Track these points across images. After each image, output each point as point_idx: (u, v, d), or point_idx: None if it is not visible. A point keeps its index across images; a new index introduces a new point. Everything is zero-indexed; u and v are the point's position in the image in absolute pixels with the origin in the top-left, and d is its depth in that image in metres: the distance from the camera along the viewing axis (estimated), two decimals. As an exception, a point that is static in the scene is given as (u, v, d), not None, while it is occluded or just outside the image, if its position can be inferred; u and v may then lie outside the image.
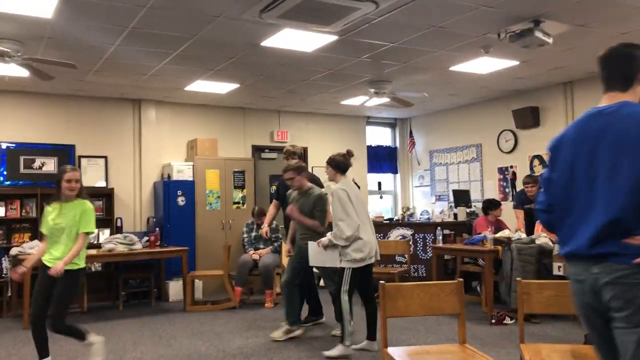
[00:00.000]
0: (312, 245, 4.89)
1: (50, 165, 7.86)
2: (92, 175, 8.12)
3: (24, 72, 6.07)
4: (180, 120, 8.81)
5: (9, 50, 5.23)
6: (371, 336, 4.80)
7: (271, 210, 6.51)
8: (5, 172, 7.61)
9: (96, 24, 5.09)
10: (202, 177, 8.36)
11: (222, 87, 7.73)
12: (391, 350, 3.23)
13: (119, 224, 8.00)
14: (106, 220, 8.00)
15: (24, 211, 7.59)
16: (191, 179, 8.26)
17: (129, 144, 8.45)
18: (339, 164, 4.83)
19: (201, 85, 7.56)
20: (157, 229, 7.60)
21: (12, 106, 7.74)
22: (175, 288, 7.66)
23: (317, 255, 4.85)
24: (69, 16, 4.88)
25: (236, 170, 8.66)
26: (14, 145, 7.69)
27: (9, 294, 6.98)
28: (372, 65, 6.71)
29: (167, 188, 8.12)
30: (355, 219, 4.56)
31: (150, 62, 6.39)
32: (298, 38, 5.63)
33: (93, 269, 7.75)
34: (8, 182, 7.62)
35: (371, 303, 4.81)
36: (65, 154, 7.98)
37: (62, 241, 4.18)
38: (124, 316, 6.67)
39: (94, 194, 8.02)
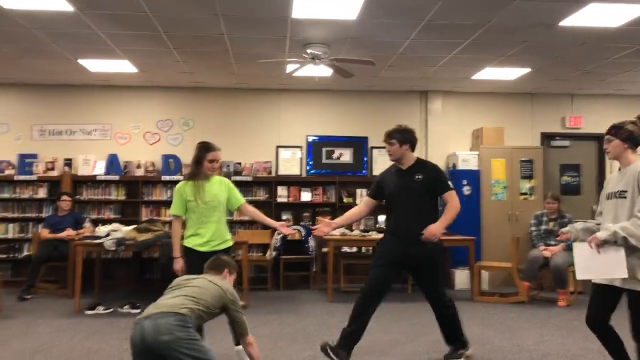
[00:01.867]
0: (579, 249, 3.28)
1: (346, 155, 8.63)
2: (382, 166, 8.57)
3: (328, 72, 6.77)
4: (465, 110, 8.79)
5: (320, 53, 5.87)
6: None
7: None
8: (311, 162, 8.61)
9: (395, 20, 5.38)
10: (488, 166, 8.21)
11: (512, 73, 7.46)
12: None
13: (407, 211, 8.36)
14: (395, 207, 8.44)
15: (325, 196, 8.49)
16: (476, 168, 8.18)
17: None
18: (634, 136, 3.28)
19: (490, 73, 7.41)
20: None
21: (316, 103, 8.71)
22: (460, 277, 7.71)
23: (588, 261, 3.22)
24: (371, 16, 5.25)
25: (523, 159, 8.29)
26: (317, 138, 8.65)
27: (314, 269, 7.91)
28: (697, 34, 5.70)
29: (453, 177, 8.15)
30: None
31: (440, 53, 6.50)
32: (604, 13, 5.09)
33: (383, 253, 8.28)
34: (313, 171, 8.61)
35: None
36: (359, 146, 8.66)
37: (213, 220, 4.00)
38: (412, 299, 6.96)
39: (384, 182, 8.55)
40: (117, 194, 8.14)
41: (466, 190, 8.11)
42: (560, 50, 6.37)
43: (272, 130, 8.60)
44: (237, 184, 8.21)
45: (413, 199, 4.19)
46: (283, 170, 8.55)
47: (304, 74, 7.00)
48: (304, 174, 8.58)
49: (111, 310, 6.13)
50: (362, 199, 4.43)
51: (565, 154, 8.88)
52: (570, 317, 5.93)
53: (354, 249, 8.20)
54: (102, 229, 6.53)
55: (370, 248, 8.26)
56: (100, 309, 6.07)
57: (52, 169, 8.04)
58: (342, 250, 7.99)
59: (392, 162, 4.39)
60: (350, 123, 8.69)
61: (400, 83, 8.20)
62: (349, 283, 7.70)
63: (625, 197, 3.18)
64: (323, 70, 6.64)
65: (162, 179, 8.15)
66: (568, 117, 8.85)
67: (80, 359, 4.32)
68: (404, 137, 4.27)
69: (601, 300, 3.31)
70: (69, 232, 7.11)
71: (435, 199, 4.34)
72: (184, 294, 3.11)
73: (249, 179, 8.23)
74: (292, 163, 8.61)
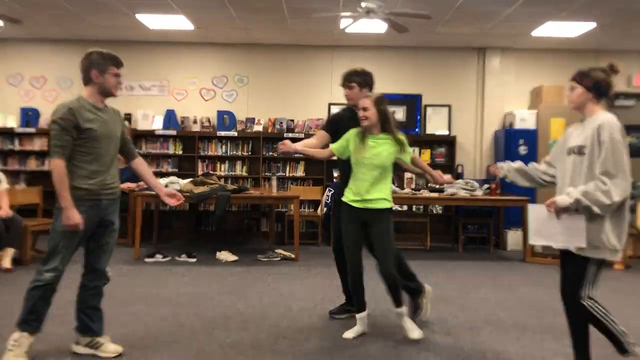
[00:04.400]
0: (535, 211, 2.99)
1: (399, 113, 8.52)
2: (435, 124, 8.54)
3: (382, 27, 6.66)
4: (524, 68, 8.51)
5: (374, 6, 5.77)
6: None
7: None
8: (363, 120, 8.58)
9: (452, -28, 5.22)
10: (546, 126, 7.96)
11: (575, 29, 7.13)
12: None
13: (459, 170, 8.28)
14: (447, 166, 8.37)
15: (377, 155, 8.48)
16: (534, 127, 7.96)
17: (471, 93, 8.58)
18: (600, 85, 2.89)
19: (551, 28, 7.11)
20: (497, 177, 7.58)
21: (369, 60, 8.57)
22: (513, 237, 7.62)
23: (544, 226, 2.92)
24: (428, -33, 5.11)
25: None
26: (370, 95, 8.58)
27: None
28: None
29: (509, 137, 8.01)
30: (629, 178, 2.77)
31: (500, 6, 6.28)
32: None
33: (434, 212, 8.28)
34: (365, 129, 8.58)
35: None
36: (413, 104, 8.55)
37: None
38: (463, 258, 6.96)
39: (436, 141, 8.46)
40: (175, 149, 8.38)
41: (522, 150, 7.92)
42: (629, 2, 6.03)
43: (324, 87, 8.58)
44: (290, 140, 8.40)
45: None
46: (335, 128, 8.56)
47: (357, 30, 6.92)
48: (356, 132, 8.57)
49: (169, 258, 6.41)
50: (317, 132, 4.25)
51: (630, 114, 8.49)
52: (626, 280, 5.81)
53: (404, 207, 8.20)
54: (160, 181, 6.77)
55: (422, 207, 8.26)
56: (158, 257, 6.36)
57: (113, 123, 8.33)
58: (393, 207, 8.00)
59: (348, 106, 4.15)
60: (404, 80, 8.57)
61: (456, 39, 7.98)
62: (398, 241, 7.71)
63: (584, 154, 2.85)
64: (377, 26, 6.54)
65: (218, 135, 8.32)
66: (635, 76, 8.44)
67: (141, 302, 4.58)
68: (364, 79, 4.08)
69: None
70: (128, 185, 7.39)
71: None
72: None
73: (302, 135, 8.29)
74: (344, 121, 8.61)
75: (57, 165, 3.06)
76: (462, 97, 8.55)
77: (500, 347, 3.67)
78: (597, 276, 2.88)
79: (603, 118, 2.83)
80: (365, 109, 3.70)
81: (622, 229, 2.82)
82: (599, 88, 2.90)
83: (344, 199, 3.81)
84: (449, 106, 8.55)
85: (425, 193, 7.25)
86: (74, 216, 3.05)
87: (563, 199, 2.83)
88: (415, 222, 8.11)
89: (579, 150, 2.88)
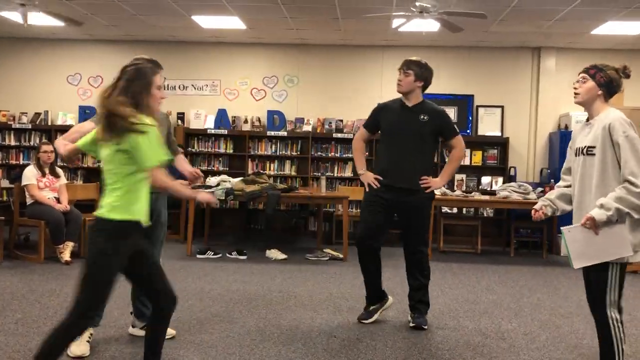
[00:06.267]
0: (571, 234, 2.74)
1: (450, 114, 8.31)
2: (487, 125, 8.39)
3: (435, 27, 6.59)
4: (581, 68, 8.20)
5: (428, 6, 5.71)
6: None
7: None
8: (413, 120, 8.51)
9: (510, -30, 5.12)
10: (604, 128, 7.72)
11: (637, 28, 6.87)
12: None
13: (512, 172, 8.11)
14: (500, 168, 8.22)
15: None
16: (591, 130, 7.72)
17: (525, 94, 8.38)
18: (612, 84, 2.82)
19: (612, 27, 6.88)
20: (552, 180, 7.41)
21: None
22: (568, 243, 7.39)
23: (584, 246, 2.71)
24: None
25: (645, 121, 7.70)
26: (420, 96, 8.50)
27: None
28: None
29: (564, 139, 7.77)
30: None
31: (558, 5, 6.12)
32: None
33: (485, 214, 8.14)
34: (415, 129, 8.50)
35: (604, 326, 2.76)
36: (464, 104, 8.42)
37: None
38: (515, 263, 6.81)
39: (488, 142, 8.31)
40: (226, 147, 8.51)
41: (578, 153, 7.69)
42: (698, 0, 5.79)
43: (374, 87, 8.55)
44: (339, 140, 8.47)
45: (414, 140, 3.88)
46: (385, 128, 8.51)
47: (410, 29, 6.86)
48: (405, 133, 8.51)
49: (220, 255, 6.51)
50: (358, 131, 4.21)
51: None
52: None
53: (455, 210, 8.09)
54: (212, 180, 6.90)
55: (472, 209, 8.13)
56: (210, 254, 6.47)
57: (167, 122, 8.52)
58: (442, 210, 7.91)
59: (398, 97, 4.01)
60: (455, 80, 8.46)
61: (511, 39, 7.82)
62: (448, 244, 7.64)
63: (593, 155, 2.71)
64: (430, 25, 6.48)
65: (268, 134, 8.40)
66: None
67: (194, 297, 4.67)
68: (422, 72, 3.91)
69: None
70: (181, 182, 7.53)
71: (436, 145, 4.17)
72: None
73: (350, 136, 8.29)
74: (393, 121, 8.55)
75: None
76: (515, 97, 8.38)
77: (558, 355, 3.57)
78: (622, 279, 2.70)
79: (611, 116, 2.71)
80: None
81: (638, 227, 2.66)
82: (610, 87, 2.81)
83: None
84: (502, 107, 8.39)
85: (476, 195, 7.13)
86: None
87: (600, 213, 2.61)
88: (466, 225, 7.99)
89: (588, 151, 2.75)
